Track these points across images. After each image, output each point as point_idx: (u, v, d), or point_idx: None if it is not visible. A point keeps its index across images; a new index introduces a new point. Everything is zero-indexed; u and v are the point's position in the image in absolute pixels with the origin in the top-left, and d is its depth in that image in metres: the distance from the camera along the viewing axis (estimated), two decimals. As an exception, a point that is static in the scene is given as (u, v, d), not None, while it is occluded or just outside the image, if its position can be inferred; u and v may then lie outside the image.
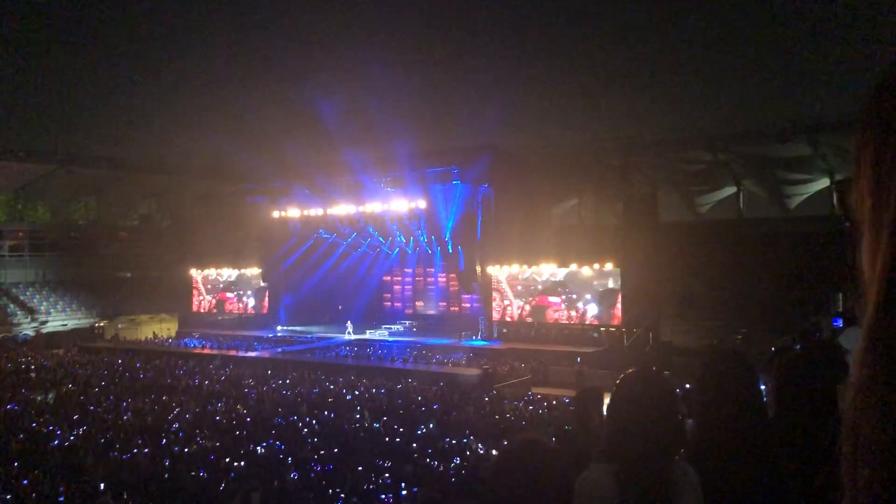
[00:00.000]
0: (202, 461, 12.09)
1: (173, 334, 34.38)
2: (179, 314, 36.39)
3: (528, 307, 28.27)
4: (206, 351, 28.75)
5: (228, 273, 36.32)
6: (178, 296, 36.90)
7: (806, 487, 2.43)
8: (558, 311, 27.55)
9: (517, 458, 1.99)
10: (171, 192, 42.82)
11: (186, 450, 12.98)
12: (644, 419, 2.20)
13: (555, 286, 27.53)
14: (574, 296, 27.01)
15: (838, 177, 29.37)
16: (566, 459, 2.05)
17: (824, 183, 30.35)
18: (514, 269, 28.52)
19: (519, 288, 28.30)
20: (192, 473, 11.35)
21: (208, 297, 37.07)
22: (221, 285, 36.63)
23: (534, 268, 28.03)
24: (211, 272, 36.84)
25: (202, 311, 37.03)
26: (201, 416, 16.35)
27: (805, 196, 32.31)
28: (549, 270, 27.69)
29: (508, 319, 28.67)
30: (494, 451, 12.46)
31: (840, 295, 23.96)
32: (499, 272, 28.72)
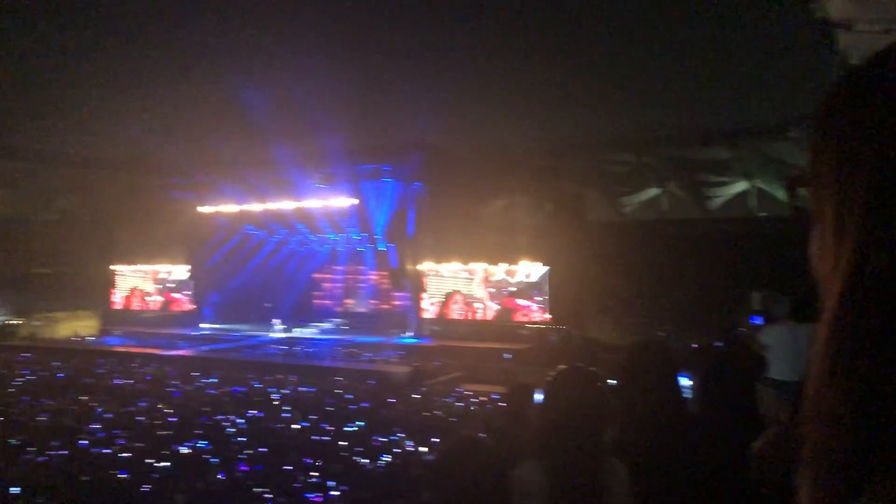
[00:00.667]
0: (123, 462, 11.77)
1: (94, 332, 33.28)
2: (100, 311, 35.23)
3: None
4: (128, 349, 27.93)
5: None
6: (99, 292, 35.72)
7: (729, 479, 2.53)
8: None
9: (456, 455, 2.02)
10: (92, 186, 41.26)
11: (106, 451, 12.60)
12: (575, 415, 2.25)
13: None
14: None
15: (757, 180, 30.50)
16: (502, 456, 2.09)
17: (743, 186, 31.43)
18: (452, 266, 28.62)
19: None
20: (113, 472, 11.03)
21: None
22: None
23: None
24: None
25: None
26: (122, 416, 15.89)
27: (725, 198, 33.39)
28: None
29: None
30: (424, 449, 12.51)
31: (757, 294, 24.88)
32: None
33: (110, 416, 16.05)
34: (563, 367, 2.53)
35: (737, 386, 2.79)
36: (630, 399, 2.75)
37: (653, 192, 34.00)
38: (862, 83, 0.56)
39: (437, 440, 12.79)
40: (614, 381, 2.92)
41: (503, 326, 27.65)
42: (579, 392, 2.33)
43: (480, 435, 2.16)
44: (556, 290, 26.28)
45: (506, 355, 24.11)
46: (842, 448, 0.52)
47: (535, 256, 27.06)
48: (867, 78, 0.56)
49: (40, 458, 12.07)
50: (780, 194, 30.57)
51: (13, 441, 13.50)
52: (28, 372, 22.91)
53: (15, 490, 10.13)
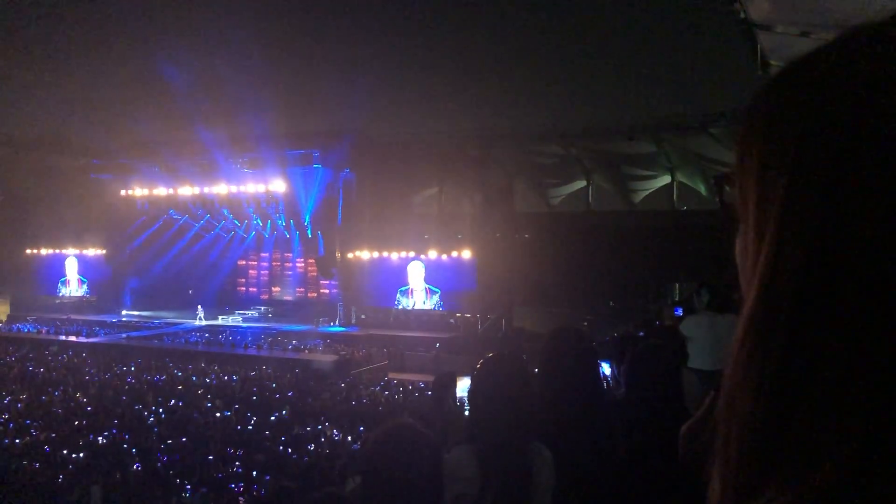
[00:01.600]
0: (36, 453, 11.38)
1: (4, 318, 31.89)
2: (12, 297, 33.75)
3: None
4: (42, 336, 26.89)
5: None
6: (11, 277, 34.20)
7: (655, 462, 2.60)
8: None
9: (391, 441, 2.02)
10: (4, 165, 39.45)
11: (18, 441, 12.15)
12: (502, 401, 2.30)
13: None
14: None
15: (679, 174, 31.37)
16: (433, 442, 2.10)
17: (666, 179, 32.28)
18: (374, 255, 28.53)
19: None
20: (25, 463, 10.65)
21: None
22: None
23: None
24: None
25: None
26: (35, 406, 15.34)
27: (649, 191, 34.23)
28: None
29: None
30: (350, 438, 12.48)
31: (677, 285, 25.68)
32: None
33: (21, 405, 15.49)
34: (489, 354, 2.59)
35: (661, 374, 2.87)
36: (549, 385, 2.81)
37: (580, 184, 34.56)
38: (785, 86, 0.58)
39: (364, 429, 12.79)
40: (536, 370, 2.97)
41: (431, 315, 27.75)
42: (505, 379, 2.39)
43: (411, 421, 2.17)
44: (484, 280, 26.47)
45: (437, 345, 24.22)
46: (748, 445, 0.53)
47: (464, 246, 27.23)
48: (790, 81, 0.58)
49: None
50: (701, 188, 31.54)
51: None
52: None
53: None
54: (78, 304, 33.95)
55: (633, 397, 2.89)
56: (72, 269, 34.90)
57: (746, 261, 0.59)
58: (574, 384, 2.77)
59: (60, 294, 35.05)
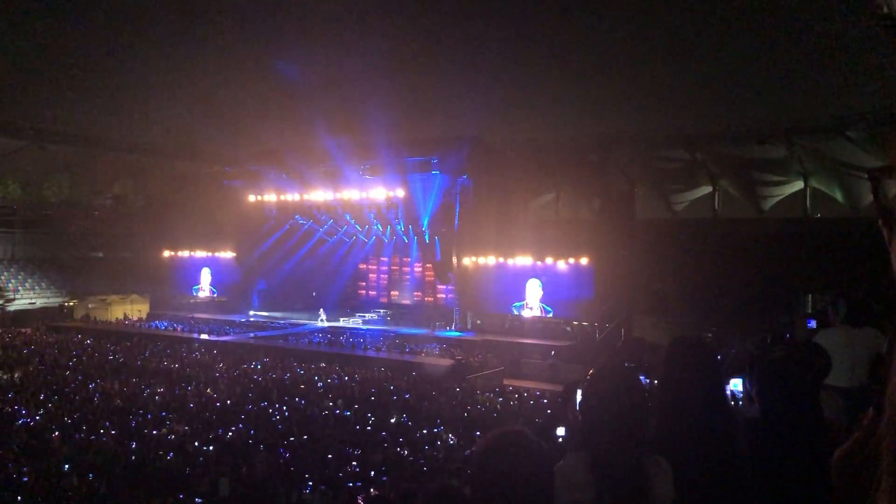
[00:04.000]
0: (171, 445, 12.00)
1: (144, 316, 34.05)
2: (151, 296, 36.03)
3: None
4: (178, 334, 28.49)
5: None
6: (150, 277, 36.51)
7: (785, 482, 2.44)
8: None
9: (503, 446, 2.00)
10: (145, 172, 42.29)
11: (155, 432, 12.86)
12: (613, 410, 2.25)
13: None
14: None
15: (812, 180, 29.72)
16: (545, 449, 2.07)
17: (798, 185, 30.68)
18: (490, 260, 28.49)
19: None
20: (161, 454, 11.25)
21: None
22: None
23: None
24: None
25: (197, 295, 36.84)
26: (171, 400, 16.22)
27: (779, 198, 32.67)
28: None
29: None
30: (466, 442, 12.48)
31: (810, 296, 24.26)
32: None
33: (159, 398, 16.41)
34: (601, 363, 2.53)
35: (796, 390, 2.69)
36: (669, 397, 2.71)
37: (705, 189, 33.42)
38: None
39: (480, 436, 12.77)
40: (656, 381, 2.87)
41: (547, 322, 27.42)
42: (616, 388, 2.35)
43: (521, 429, 2.15)
44: (602, 288, 25.90)
45: (553, 353, 23.94)
46: None
47: (582, 253, 26.74)
48: None
49: (91, 437, 12.39)
50: (838, 195, 29.75)
51: (67, 420, 13.90)
52: (81, 353, 23.56)
53: (66, 467, 10.41)
54: (208, 305, 35.77)
55: (765, 415, 2.72)
56: (205, 276, 36.71)
57: None
58: (695, 397, 2.65)
59: (195, 295, 37.00)
